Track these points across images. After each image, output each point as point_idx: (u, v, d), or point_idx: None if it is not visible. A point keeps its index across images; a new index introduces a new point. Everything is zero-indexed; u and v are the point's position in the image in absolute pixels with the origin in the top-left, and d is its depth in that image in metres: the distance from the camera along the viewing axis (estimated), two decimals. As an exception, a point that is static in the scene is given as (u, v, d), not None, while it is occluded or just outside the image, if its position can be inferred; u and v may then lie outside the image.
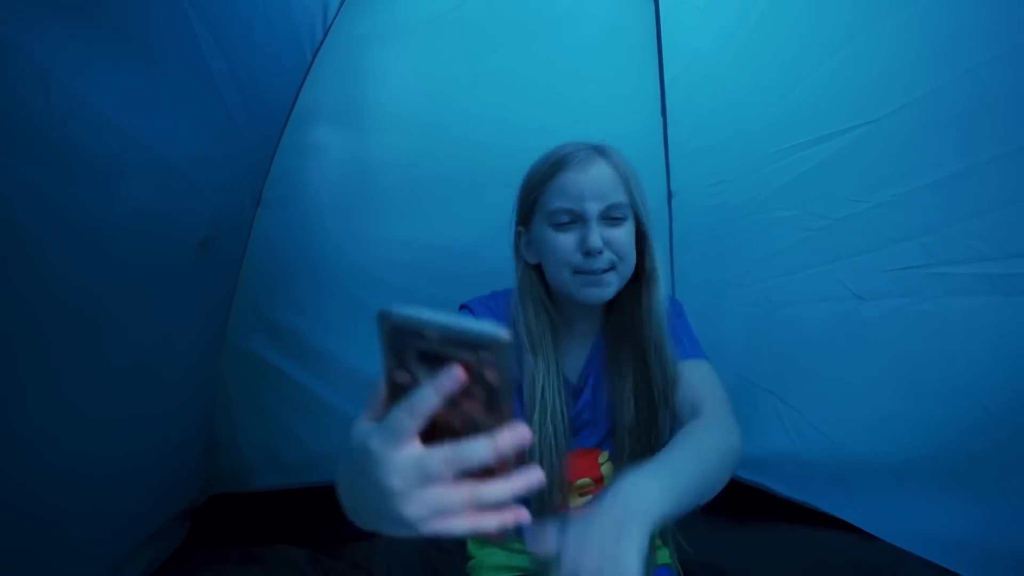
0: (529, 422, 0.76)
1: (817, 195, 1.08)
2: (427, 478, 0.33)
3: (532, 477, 0.34)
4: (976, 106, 0.82)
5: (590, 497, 0.87)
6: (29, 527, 0.72)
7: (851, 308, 1.03)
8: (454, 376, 0.32)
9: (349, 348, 1.32)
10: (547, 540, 0.46)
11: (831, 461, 1.10)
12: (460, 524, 0.34)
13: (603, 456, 0.86)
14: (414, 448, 0.33)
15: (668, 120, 1.37)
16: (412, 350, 0.33)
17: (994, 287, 0.83)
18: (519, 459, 0.34)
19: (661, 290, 0.76)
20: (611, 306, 0.80)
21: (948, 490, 0.92)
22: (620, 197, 0.73)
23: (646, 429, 0.80)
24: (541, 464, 0.75)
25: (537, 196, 0.77)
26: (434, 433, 0.33)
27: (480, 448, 0.33)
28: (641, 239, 0.75)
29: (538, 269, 0.80)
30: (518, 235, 0.82)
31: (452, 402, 0.33)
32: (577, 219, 0.73)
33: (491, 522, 0.34)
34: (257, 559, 1.20)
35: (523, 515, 0.35)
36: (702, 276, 1.37)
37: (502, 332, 0.30)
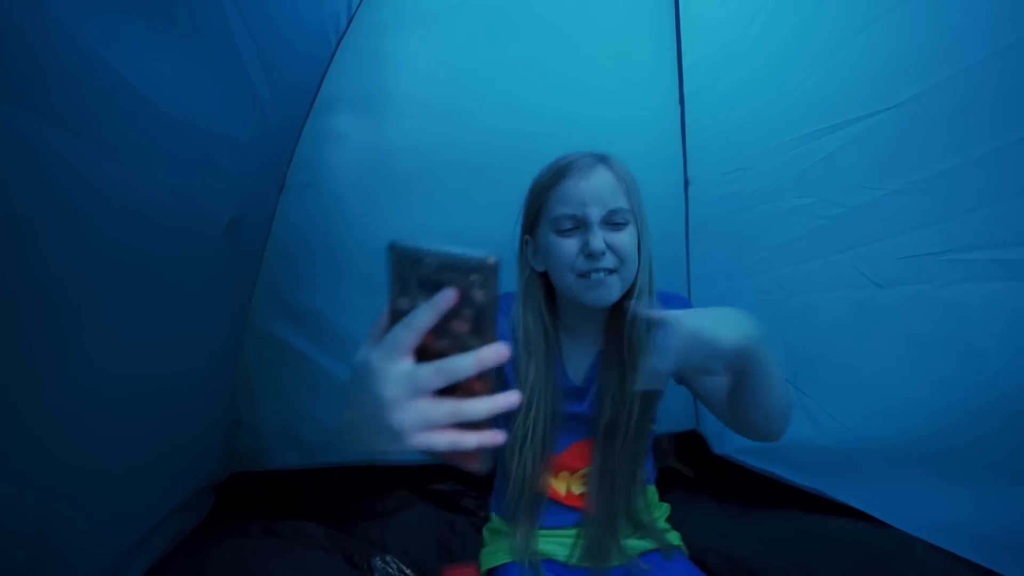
0: (519, 419, 0.81)
1: (832, 183, 1.08)
2: (417, 389, 0.37)
3: (509, 398, 0.38)
4: (1000, 90, 0.81)
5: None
6: (67, 489, 0.75)
7: (867, 295, 1.03)
8: (447, 296, 0.36)
9: (367, 330, 1.34)
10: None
11: (844, 448, 1.10)
12: (443, 439, 0.37)
13: None
14: (408, 362, 0.38)
15: (686, 107, 1.37)
16: (413, 278, 0.37)
17: (1013, 273, 0.83)
18: (498, 382, 0.38)
19: (644, 297, 0.81)
20: (613, 311, 0.84)
21: (962, 477, 0.93)
22: (621, 203, 0.77)
23: (635, 429, 0.84)
24: (523, 458, 0.82)
25: (541, 204, 0.82)
26: (425, 358, 0.38)
27: (466, 362, 0.36)
28: (640, 244, 0.80)
29: (543, 276, 0.85)
30: (524, 243, 0.87)
31: (443, 327, 0.37)
32: (580, 224, 0.77)
33: (470, 440, 0.37)
34: (277, 533, 1.24)
35: (499, 438, 0.38)
36: (716, 265, 1.37)
37: (490, 256, 0.35)
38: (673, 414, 1.52)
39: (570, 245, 0.77)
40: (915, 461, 0.99)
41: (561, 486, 0.91)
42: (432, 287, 0.37)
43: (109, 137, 0.65)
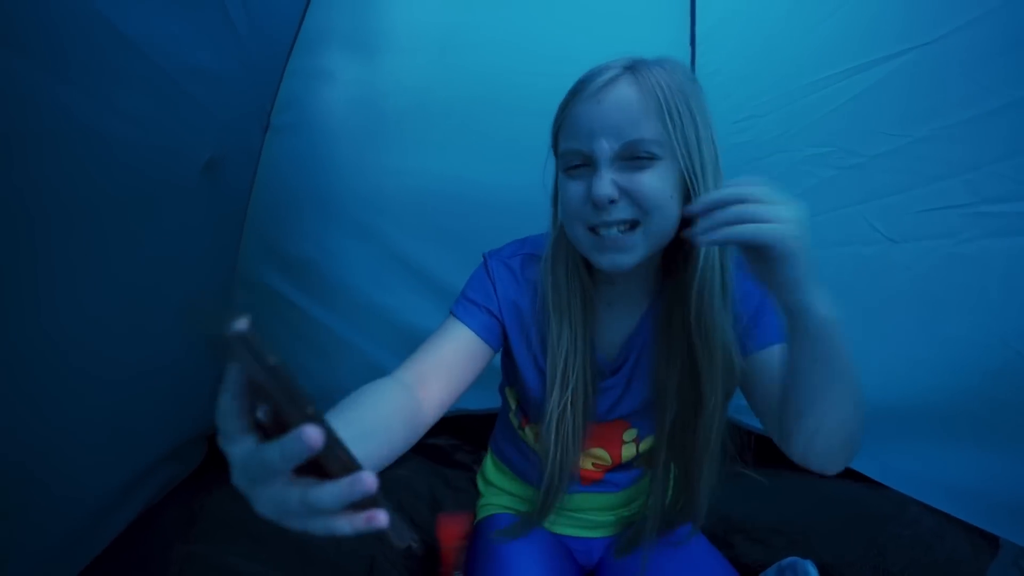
0: (548, 392, 0.69)
1: (852, 130, 1.01)
2: (254, 477, 0.32)
3: (358, 485, 0.30)
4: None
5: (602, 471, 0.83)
6: (42, 437, 0.74)
7: (879, 251, 0.98)
8: (230, 375, 0.30)
9: (358, 279, 1.30)
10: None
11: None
12: (314, 525, 0.32)
13: (629, 433, 0.79)
14: (245, 444, 0.32)
15: (697, 49, 1.28)
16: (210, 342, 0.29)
17: (1041, 228, 0.78)
18: (342, 462, 0.31)
19: (714, 261, 0.61)
20: (667, 272, 0.67)
21: (965, 438, 0.91)
22: (646, 132, 0.56)
23: (691, 422, 0.68)
24: (555, 439, 0.70)
25: (556, 133, 0.66)
26: (269, 436, 0.31)
27: (272, 455, 0.30)
28: (689, 187, 0.59)
29: None
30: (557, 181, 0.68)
31: (255, 405, 0.31)
32: (588, 162, 0.59)
33: (343, 526, 0.31)
34: (269, 483, 1.24)
35: (378, 521, 0.31)
36: (724, 219, 1.32)
37: (237, 323, 0.26)
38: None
39: (576, 189, 0.60)
40: (918, 422, 0.98)
41: (586, 462, 0.83)
42: (224, 354, 0.29)
43: (60, 56, 0.59)
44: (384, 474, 1.26)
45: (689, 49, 1.29)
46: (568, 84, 0.65)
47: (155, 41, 0.73)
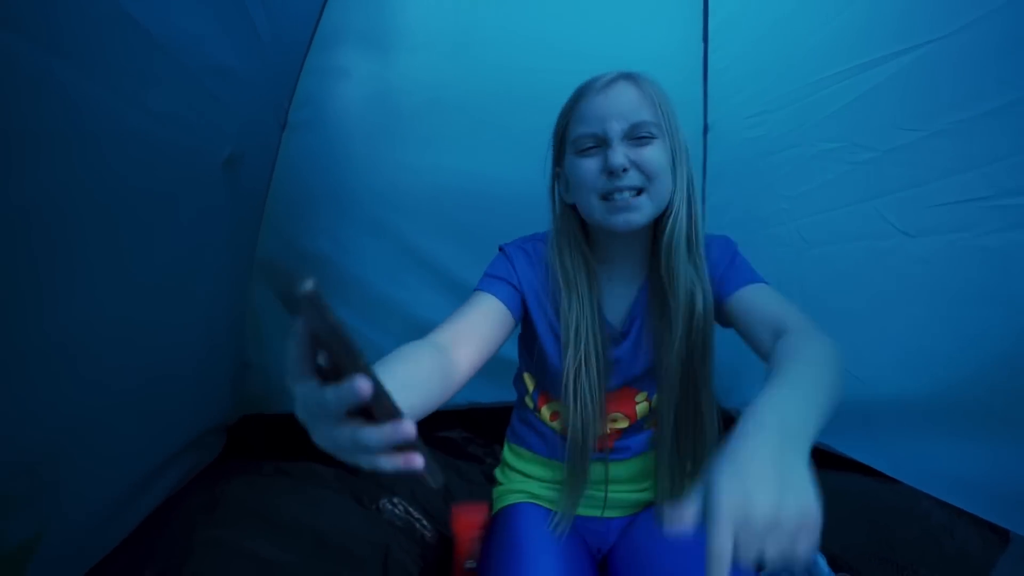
0: (565, 361, 0.77)
1: (865, 125, 1.01)
2: (314, 414, 0.36)
3: (399, 432, 0.35)
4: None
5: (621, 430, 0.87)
6: (74, 424, 0.76)
7: (895, 245, 0.97)
8: (296, 326, 0.33)
9: (373, 273, 1.33)
10: (684, 514, 0.41)
11: (857, 402, 1.07)
12: (361, 460, 0.36)
13: (640, 396, 0.86)
14: (309, 384, 0.35)
15: (709, 46, 1.29)
16: (280, 298, 0.34)
17: (1064, 220, 0.78)
18: (387, 410, 0.35)
19: (681, 222, 0.73)
20: (655, 253, 0.78)
21: (981, 432, 0.90)
22: (646, 116, 0.70)
23: (690, 373, 0.78)
24: (577, 399, 0.77)
25: (564, 129, 0.77)
26: (328, 379, 0.35)
27: (330, 397, 0.33)
28: (674, 161, 0.73)
29: (575, 210, 0.79)
30: (555, 176, 0.82)
31: (318, 353, 0.35)
32: (601, 143, 0.71)
33: (385, 464, 0.36)
34: (287, 473, 1.27)
35: (414, 463, 0.36)
36: (735, 214, 1.32)
37: (305, 284, 0.30)
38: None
39: (590, 164, 0.71)
40: (932, 416, 0.97)
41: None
42: (292, 309, 0.33)
43: (94, 58, 0.61)
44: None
45: (701, 45, 1.29)
46: (582, 79, 0.76)
47: (181, 41, 0.75)
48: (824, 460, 1.12)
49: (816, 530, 0.39)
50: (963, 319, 0.89)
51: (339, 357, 0.33)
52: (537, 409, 0.90)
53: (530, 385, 0.91)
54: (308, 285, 0.29)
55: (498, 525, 0.89)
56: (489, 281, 0.78)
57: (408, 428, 0.35)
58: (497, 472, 1.01)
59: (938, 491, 0.97)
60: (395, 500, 1.24)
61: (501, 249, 0.84)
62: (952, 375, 0.91)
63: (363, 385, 0.32)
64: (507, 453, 0.99)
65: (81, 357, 0.75)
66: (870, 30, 0.97)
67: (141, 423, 0.93)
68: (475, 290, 0.78)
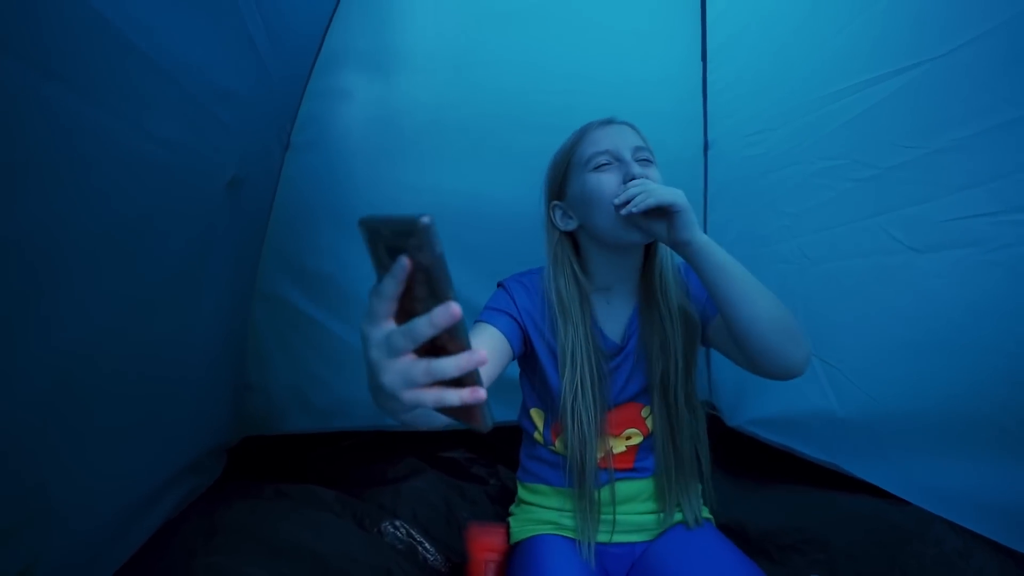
0: (561, 374, 0.84)
1: (867, 142, 1.00)
2: (393, 351, 0.38)
3: (474, 357, 0.38)
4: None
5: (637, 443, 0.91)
6: (68, 447, 0.75)
7: (904, 261, 0.96)
8: (402, 263, 0.37)
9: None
10: None
11: (866, 419, 1.06)
12: (428, 396, 0.39)
13: (646, 410, 0.91)
14: (388, 326, 0.40)
15: (708, 65, 1.30)
16: (382, 247, 0.39)
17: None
18: (458, 341, 0.38)
19: (664, 251, 0.86)
20: (645, 278, 0.88)
21: (994, 452, 0.88)
22: (643, 144, 0.82)
23: (679, 383, 0.86)
24: (573, 419, 0.83)
25: (569, 160, 0.84)
26: (407, 318, 0.39)
27: (421, 324, 0.37)
28: None
29: (570, 239, 0.86)
30: (552, 209, 0.87)
31: (410, 291, 0.38)
32: (615, 159, 0.79)
33: (453, 397, 0.39)
34: (288, 495, 1.25)
35: (480, 394, 0.38)
36: (736, 232, 1.32)
37: (423, 217, 0.34)
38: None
39: (609, 178, 0.78)
40: (943, 434, 0.95)
41: (619, 445, 0.91)
42: (394, 253, 0.37)
43: (95, 84, 0.62)
44: (399, 486, 1.26)
45: (700, 64, 1.30)
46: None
47: (183, 66, 0.76)
48: (833, 482, 1.12)
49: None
50: (972, 334, 0.88)
51: (439, 283, 0.36)
52: (551, 443, 0.92)
53: (539, 421, 0.94)
54: (426, 219, 0.34)
55: (523, 556, 0.88)
56: (490, 313, 0.84)
57: (483, 353, 0.38)
58: (513, 508, 1.01)
59: (953, 514, 0.95)
60: (397, 523, 1.22)
61: (500, 284, 0.89)
62: (965, 393, 0.90)
63: (456, 308, 0.36)
64: (522, 492, 0.99)
65: (80, 380, 0.74)
66: (870, 49, 0.97)
67: (139, 446, 0.92)
68: (476, 321, 0.83)
